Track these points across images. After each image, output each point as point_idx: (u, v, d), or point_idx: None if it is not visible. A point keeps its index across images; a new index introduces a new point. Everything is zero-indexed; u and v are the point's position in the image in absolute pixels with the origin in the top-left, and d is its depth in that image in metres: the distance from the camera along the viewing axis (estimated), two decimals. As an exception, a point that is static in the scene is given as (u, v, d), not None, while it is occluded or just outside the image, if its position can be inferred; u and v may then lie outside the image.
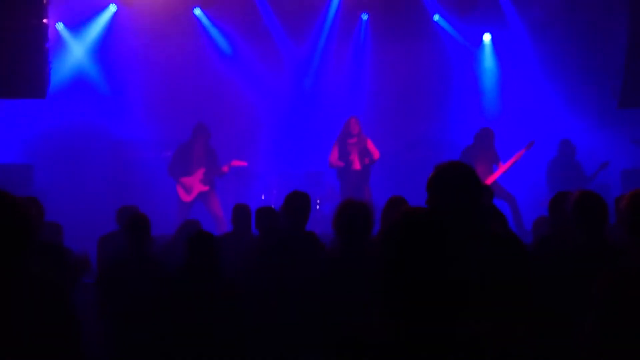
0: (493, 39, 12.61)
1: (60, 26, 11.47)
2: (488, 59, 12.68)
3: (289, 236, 5.27)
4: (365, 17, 12.49)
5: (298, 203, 5.32)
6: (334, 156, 10.41)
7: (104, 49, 11.87)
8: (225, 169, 10.22)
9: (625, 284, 3.10)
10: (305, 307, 4.59)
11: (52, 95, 9.88)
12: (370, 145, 10.40)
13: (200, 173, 10.13)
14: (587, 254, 4.07)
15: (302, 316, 4.60)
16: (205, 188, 10.17)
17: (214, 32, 12.34)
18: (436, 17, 12.37)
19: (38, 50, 9.34)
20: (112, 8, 11.64)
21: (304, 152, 12.29)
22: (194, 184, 10.14)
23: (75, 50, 11.72)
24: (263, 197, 11.09)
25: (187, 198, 10.13)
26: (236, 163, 10.36)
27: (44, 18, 9.38)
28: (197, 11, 12.08)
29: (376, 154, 10.38)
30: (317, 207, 10.86)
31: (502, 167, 10.15)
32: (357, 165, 10.32)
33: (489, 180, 9.88)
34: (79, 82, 11.75)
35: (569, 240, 4.26)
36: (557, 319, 3.80)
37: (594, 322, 3.16)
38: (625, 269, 3.18)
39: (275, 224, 5.84)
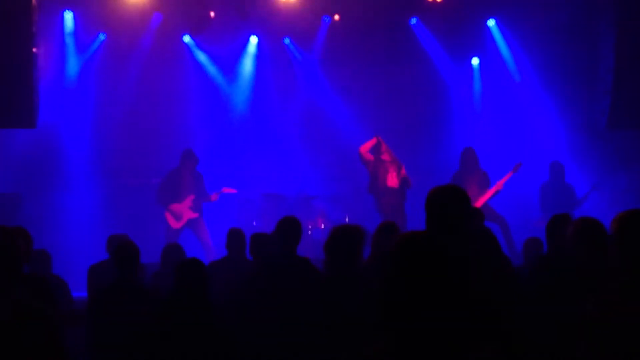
0: (481, 62, 12.68)
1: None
2: (477, 82, 12.75)
3: (281, 261, 5.25)
4: (354, 41, 12.53)
5: (289, 228, 5.31)
6: (365, 147, 10.12)
7: (92, 76, 11.86)
8: (215, 196, 10.20)
9: (613, 306, 3.12)
10: (299, 330, 4.56)
11: (41, 123, 9.85)
12: (404, 171, 10.12)
13: (189, 200, 10.09)
14: (583, 274, 4.09)
15: (295, 340, 4.57)
16: (195, 215, 10.13)
17: (203, 58, 12.38)
18: (424, 42, 12.43)
19: (27, 79, 9.33)
20: (101, 37, 11.67)
21: (295, 177, 12.27)
22: (184, 211, 10.10)
23: (66, 78, 11.71)
24: (255, 224, 11.04)
25: (176, 225, 10.09)
26: (227, 190, 10.36)
27: (33, 47, 9.39)
28: (187, 38, 12.12)
29: (409, 180, 10.10)
30: (309, 232, 10.82)
31: (491, 190, 10.15)
32: (394, 182, 10.00)
33: (479, 203, 9.87)
34: (67, 110, 11.72)
35: (567, 260, 4.29)
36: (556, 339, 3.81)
37: (586, 344, 3.17)
38: (611, 292, 3.20)
39: (270, 250, 5.82)
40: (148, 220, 10.68)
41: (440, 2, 11.46)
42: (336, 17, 11.96)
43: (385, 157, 10.11)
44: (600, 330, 3.13)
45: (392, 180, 10.00)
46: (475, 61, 12.74)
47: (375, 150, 10.16)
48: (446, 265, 2.19)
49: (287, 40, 12.42)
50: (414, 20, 12.16)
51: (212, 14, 11.48)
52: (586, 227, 4.28)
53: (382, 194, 10.00)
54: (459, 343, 2.21)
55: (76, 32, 11.50)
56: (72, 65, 11.75)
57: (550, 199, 10.30)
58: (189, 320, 4.53)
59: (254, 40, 12.37)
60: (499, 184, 10.08)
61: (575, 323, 3.37)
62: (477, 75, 12.77)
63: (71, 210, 11.33)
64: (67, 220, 11.17)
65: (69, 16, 11.37)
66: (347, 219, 11.15)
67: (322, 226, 10.96)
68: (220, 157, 11.85)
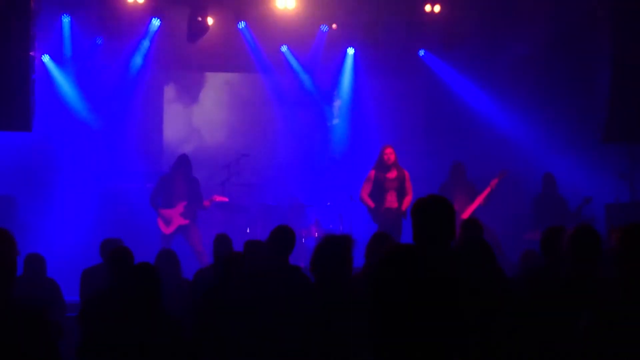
0: (478, 75, 12.70)
1: (46, 58, 11.46)
2: (472, 94, 12.76)
3: (273, 269, 5.24)
4: (351, 51, 12.56)
5: (282, 237, 5.31)
6: (365, 190, 9.79)
7: (89, 81, 11.84)
8: (206, 203, 10.14)
9: (612, 318, 3.11)
10: (287, 338, 4.55)
11: (36, 126, 9.82)
12: (408, 182, 9.84)
13: (181, 206, 10.04)
14: (578, 286, 4.08)
15: (283, 348, 4.56)
16: (186, 222, 10.06)
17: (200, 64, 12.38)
18: (421, 53, 12.47)
19: (24, 82, 9.31)
20: (98, 41, 11.65)
21: (289, 184, 12.27)
22: (174, 217, 10.05)
23: (61, 83, 11.70)
24: (248, 231, 11.03)
25: (166, 230, 10.04)
26: (218, 198, 10.29)
27: (30, 50, 9.37)
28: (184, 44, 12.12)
29: (409, 194, 9.76)
30: (303, 240, 10.81)
31: (477, 200, 10.16)
32: (392, 203, 9.72)
33: (466, 214, 9.85)
34: (62, 114, 11.70)
35: (562, 272, 4.29)
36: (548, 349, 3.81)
37: (582, 352, 3.17)
38: (612, 304, 3.18)
39: (263, 257, 5.81)
40: (142, 225, 10.64)
41: (438, 14, 11.47)
42: (334, 26, 11.96)
43: (391, 174, 9.83)
44: (598, 345, 3.12)
45: (391, 201, 9.75)
46: (471, 72, 12.76)
47: (381, 165, 9.86)
48: (431, 278, 2.20)
49: (284, 48, 12.42)
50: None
51: (210, 20, 11.49)
52: (583, 235, 4.27)
53: (379, 212, 9.80)
54: (446, 356, 2.22)
55: (74, 36, 11.49)
56: (69, 69, 11.74)
57: (542, 211, 10.31)
58: (139, 325, 4.47)
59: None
60: (486, 192, 10.12)
61: (570, 336, 3.36)
62: (472, 87, 12.79)
63: (65, 213, 11.29)
64: (62, 223, 11.12)
65: (66, 20, 11.36)
66: (341, 228, 11.14)
67: (316, 234, 10.94)
68: (214, 164, 11.83)
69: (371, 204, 9.77)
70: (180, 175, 10.13)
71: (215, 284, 5.37)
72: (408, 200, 9.71)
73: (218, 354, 5.04)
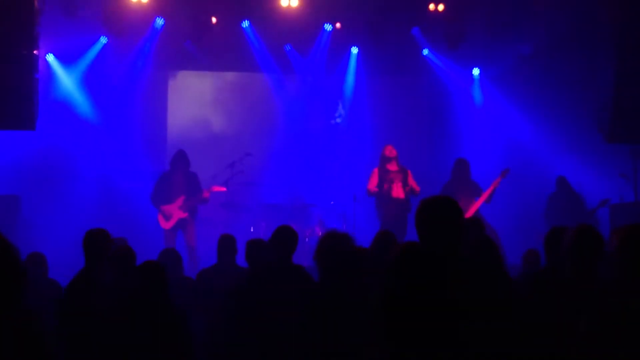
0: (482, 74, 12.70)
1: (50, 57, 11.47)
2: (477, 93, 12.77)
3: (276, 269, 5.24)
4: (355, 50, 12.55)
5: (284, 237, 5.32)
6: (372, 183, 10.09)
7: (93, 80, 11.86)
8: (205, 194, 10.16)
9: (612, 321, 3.10)
10: (291, 337, 4.55)
11: (40, 125, 9.84)
12: (411, 178, 10.13)
13: (180, 200, 10.09)
14: (578, 287, 4.06)
15: (287, 348, 4.56)
16: (184, 215, 10.11)
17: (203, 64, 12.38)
18: (425, 52, 12.46)
19: (27, 81, 9.31)
20: (103, 40, 11.66)
21: (293, 184, 12.27)
22: (173, 211, 10.10)
23: (65, 82, 11.72)
24: (252, 230, 11.04)
25: (166, 225, 10.10)
26: (216, 188, 10.34)
27: (34, 49, 9.37)
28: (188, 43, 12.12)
29: (417, 187, 10.10)
30: (306, 239, 10.81)
31: (481, 198, 10.17)
32: (399, 193, 10.01)
33: (469, 213, 9.87)
34: (67, 113, 11.73)
35: (562, 273, 4.27)
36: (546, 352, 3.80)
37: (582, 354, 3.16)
38: (612, 308, 3.17)
39: (265, 256, 5.81)
40: (147, 224, 10.66)
41: (442, 12, 11.45)
42: (338, 25, 11.95)
43: (393, 167, 10.10)
44: (598, 347, 3.11)
45: (398, 191, 9.97)
46: (476, 72, 12.77)
47: (384, 159, 10.13)
48: (439, 279, 2.20)
49: (288, 47, 12.41)
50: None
51: (213, 19, 11.48)
52: (584, 235, 4.24)
53: (386, 203, 9.96)
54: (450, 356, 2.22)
55: (78, 34, 11.50)
56: (73, 68, 11.76)
57: (557, 209, 10.30)
58: (147, 321, 4.48)
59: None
60: (489, 191, 10.12)
61: (570, 338, 3.35)
62: (477, 86, 12.79)
63: (70, 212, 11.30)
64: (65, 222, 11.13)
65: (71, 19, 11.34)
66: (344, 227, 11.15)
67: (319, 234, 10.94)
68: (217, 162, 11.82)
69: (377, 189, 10.00)
70: (178, 171, 10.19)
71: (247, 287, 5.35)
72: (411, 180, 10.03)
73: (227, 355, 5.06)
